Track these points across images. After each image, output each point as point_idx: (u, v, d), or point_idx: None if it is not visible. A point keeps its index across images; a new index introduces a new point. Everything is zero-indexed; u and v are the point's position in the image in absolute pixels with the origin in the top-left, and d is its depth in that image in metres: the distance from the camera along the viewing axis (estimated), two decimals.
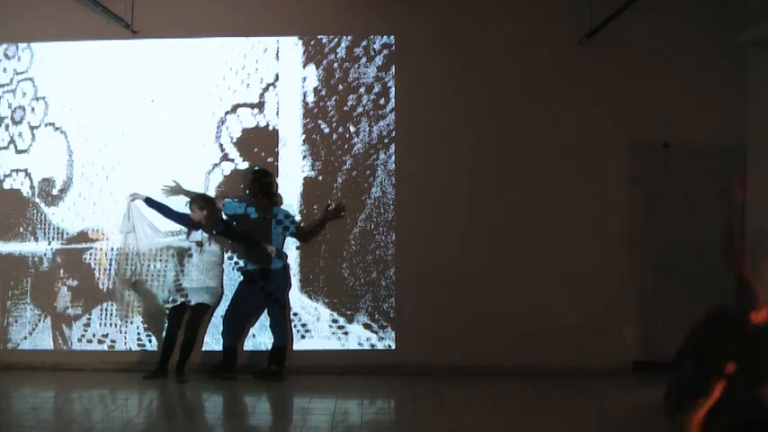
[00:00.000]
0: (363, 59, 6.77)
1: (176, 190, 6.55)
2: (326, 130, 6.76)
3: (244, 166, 6.74)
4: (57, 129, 6.85)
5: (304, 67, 6.78)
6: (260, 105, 6.78)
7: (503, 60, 6.70)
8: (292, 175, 6.75)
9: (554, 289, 6.51)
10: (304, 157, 6.76)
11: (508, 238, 6.60)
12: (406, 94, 6.72)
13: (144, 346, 6.69)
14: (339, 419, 5.07)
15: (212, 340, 6.60)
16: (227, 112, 6.78)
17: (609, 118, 6.62)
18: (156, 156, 6.73)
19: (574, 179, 6.62)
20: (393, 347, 6.65)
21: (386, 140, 6.73)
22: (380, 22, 6.77)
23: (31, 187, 6.85)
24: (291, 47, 6.80)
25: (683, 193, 6.52)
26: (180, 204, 6.50)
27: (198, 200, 6.37)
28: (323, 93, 6.77)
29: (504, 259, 6.58)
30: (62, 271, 6.76)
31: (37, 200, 6.84)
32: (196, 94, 6.78)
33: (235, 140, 6.77)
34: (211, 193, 6.67)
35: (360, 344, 6.66)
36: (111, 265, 6.72)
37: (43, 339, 6.75)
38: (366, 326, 6.66)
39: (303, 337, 6.67)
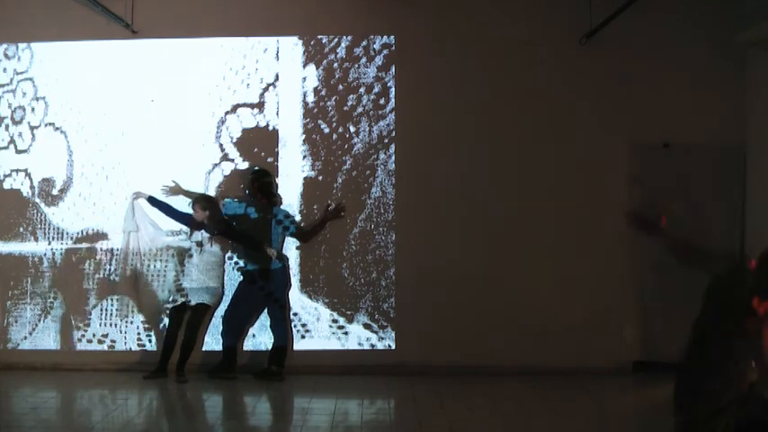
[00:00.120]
0: (363, 59, 6.77)
1: (175, 190, 6.56)
2: (326, 130, 6.76)
3: (244, 166, 6.74)
4: (57, 129, 6.85)
5: (304, 67, 6.78)
6: (260, 105, 6.78)
7: (503, 60, 6.70)
8: (292, 175, 6.75)
9: (554, 289, 6.51)
10: (304, 157, 6.76)
11: (508, 237, 6.60)
12: (406, 94, 6.72)
13: (144, 346, 6.69)
14: (339, 419, 5.07)
15: (212, 340, 6.60)
16: (227, 112, 6.78)
17: (609, 118, 6.62)
18: (156, 156, 6.73)
19: (574, 179, 6.61)
20: (393, 347, 6.65)
21: (386, 140, 6.73)
22: (380, 22, 6.77)
23: (31, 187, 6.85)
24: (291, 47, 6.80)
25: (683, 193, 6.52)
26: (180, 204, 6.50)
27: (201, 200, 6.38)
28: (323, 93, 6.77)
29: (503, 259, 6.58)
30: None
31: (37, 200, 6.84)
32: (196, 94, 6.78)
33: (235, 140, 6.77)
34: (211, 193, 6.67)
35: (360, 344, 6.66)
36: (112, 264, 6.73)
37: (43, 339, 6.75)
38: (366, 326, 6.66)
39: (303, 337, 6.68)
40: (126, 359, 6.64)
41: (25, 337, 6.77)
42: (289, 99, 6.77)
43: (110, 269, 6.72)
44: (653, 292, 6.55)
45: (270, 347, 6.46)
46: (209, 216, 6.32)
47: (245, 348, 6.62)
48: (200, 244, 6.40)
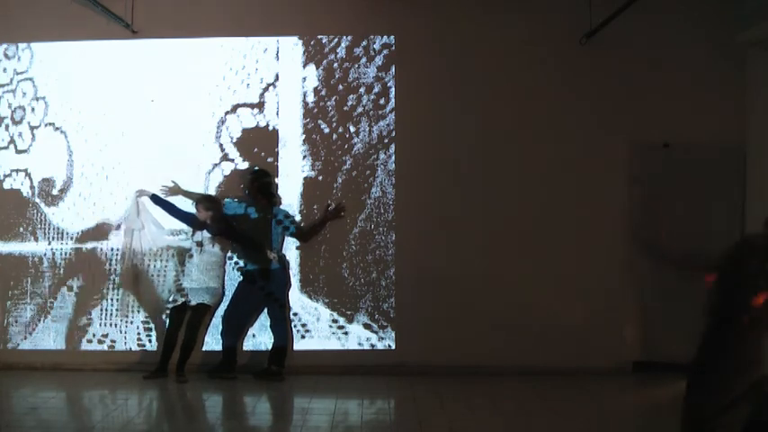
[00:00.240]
0: (363, 59, 6.77)
1: (175, 190, 6.57)
2: (326, 130, 6.76)
3: (244, 166, 6.74)
4: (57, 129, 6.85)
5: (304, 67, 6.78)
6: (260, 105, 6.78)
7: (503, 60, 6.70)
8: (292, 175, 6.75)
9: (554, 289, 6.51)
10: (304, 157, 6.76)
11: (508, 237, 6.60)
12: (406, 94, 6.72)
13: (144, 346, 6.69)
14: (339, 419, 5.07)
15: (212, 340, 6.60)
16: (227, 112, 6.78)
17: (609, 118, 6.62)
18: (156, 156, 6.73)
19: (574, 179, 6.61)
20: (393, 347, 6.65)
21: (386, 140, 6.73)
22: (380, 22, 6.77)
23: (31, 187, 6.85)
24: (291, 47, 6.80)
25: (683, 193, 6.52)
26: (180, 204, 6.51)
27: (204, 200, 6.39)
28: (323, 93, 6.77)
29: (503, 259, 6.58)
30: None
31: (37, 200, 6.84)
32: (196, 94, 6.78)
33: (235, 140, 6.77)
34: (211, 192, 6.67)
35: (360, 344, 6.66)
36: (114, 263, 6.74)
37: (43, 339, 6.75)
38: (366, 326, 6.66)
39: (303, 337, 6.67)
40: (126, 359, 6.64)
41: (25, 337, 6.77)
42: (289, 99, 6.77)
43: (112, 268, 6.72)
44: (653, 292, 6.55)
45: (270, 347, 6.46)
46: (211, 216, 6.33)
47: (245, 348, 6.62)
48: (200, 244, 6.40)
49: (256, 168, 6.61)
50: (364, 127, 6.75)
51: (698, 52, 6.59)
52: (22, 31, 6.88)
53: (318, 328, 6.68)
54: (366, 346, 6.65)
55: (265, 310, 6.54)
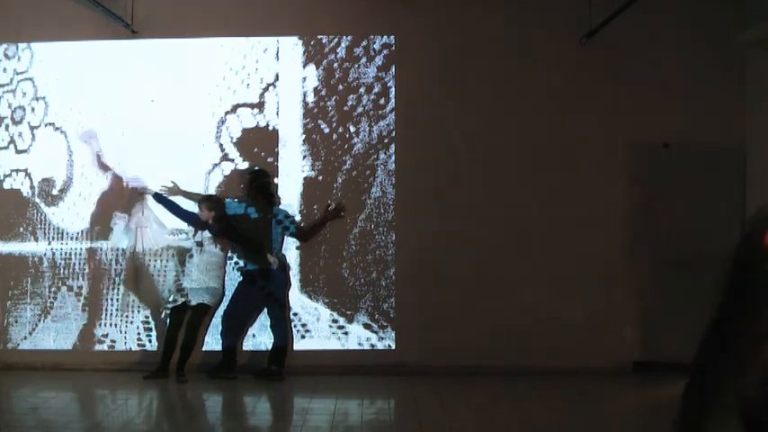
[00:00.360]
0: (363, 59, 6.77)
1: (174, 191, 6.57)
2: (326, 130, 6.76)
3: (244, 166, 6.74)
4: (57, 129, 6.85)
5: (304, 67, 6.78)
6: (260, 105, 6.78)
7: (503, 60, 6.70)
8: (292, 175, 6.75)
9: (554, 289, 6.51)
10: (304, 157, 6.76)
11: (508, 238, 6.60)
12: (406, 94, 6.71)
13: (144, 346, 6.69)
14: (339, 419, 5.07)
15: (212, 340, 6.60)
16: (227, 112, 6.78)
17: (609, 118, 6.62)
18: (156, 156, 6.74)
19: (574, 179, 6.61)
20: (393, 347, 6.65)
21: (386, 140, 6.73)
22: (380, 22, 6.77)
23: (31, 187, 6.85)
24: (291, 47, 6.80)
25: (683, 193, 6.52)
26: (180, 204, 6.52)
27: (207, 200, 6.40)
28: (323, 93, 6.77)
29: (503, 259, 6.58)
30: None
31: (37, 200, 6.84)
32: (196, 94, 6.78)
33: (235, 140, 6.77)
34: (212, 192, 6.67)
35: (360, 344, 6.66)
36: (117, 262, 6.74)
37: (43, 339, 6.75)
38: (366, 326, 6.66)
39: (303, 337, 6.67)
40: (126, 359, 6.64)
41: (25, 337, 6.77)
42: (289, 99, 6.77)
43: (113, 268, 6.73)
44: (653, 292, 6.55)
45: (270, 347, 6.46)
46: (214, 217, 6.34)
47: (245, 348, 6.61)
48: (200, 244, 6.40)
49: (256, 168, 6.61)
50: (364, 127, 6.74)
51: (698, 52, 6.59)
52: (22, 31, 6.88)
53: (318, 328, 6.68)
54: (366, 346, 6.65)
55: (265, 310, 6.54)
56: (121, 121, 6.80)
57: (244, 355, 6.56)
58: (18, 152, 6.88)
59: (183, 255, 6.53)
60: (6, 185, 6.88)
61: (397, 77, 6.73)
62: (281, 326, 6.46)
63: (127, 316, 6.70)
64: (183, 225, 6.54)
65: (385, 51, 6.77)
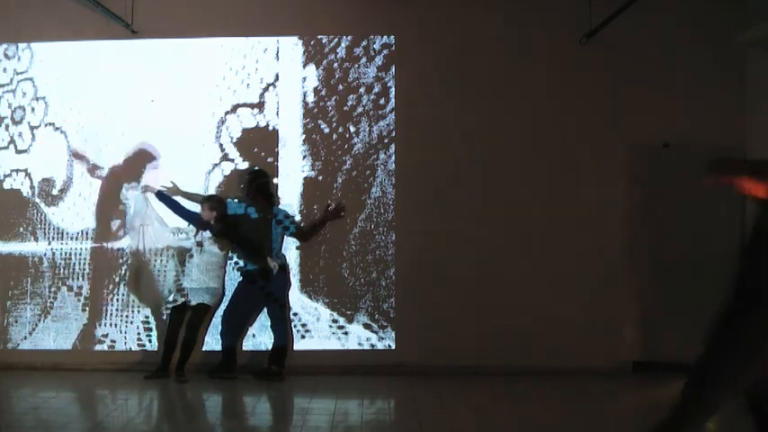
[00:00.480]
0: (363, 59, 6.77)
1: (174, 191, 6.57)
2: (326, 130, 6.76)
3: (244, 166, 6.74)
4: (57, 129, 6.85)
5: (304, 67, 6.78)
6: (260, 105, 6.78)
7: (503, 60, 6.70)
8: (292, 175, 6.75)
9: (554, 289, 6.51)
10: (304, 157, 6.76)
11: (508, 237, 6.60)
12: (406, 94, 6.72)
13: (144, 346, 6.69)
14: (339, 419, 5.07)
15: (212, 340, 6.60)
16: (227, 112, 6.78)
17: (609, 118, 6.62)
18: (156, 156, 6.73)
19: (574, 179, 6.62)
20: (393, 347, 6.65)
21: (386, 140, 6.73)
22: (380, 22, 6.77)
23: (31, 187, 6.85)
24: (291, 47, 6.80)
25: (683, 193, 6.52)
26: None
27: (211, 200, 6.40)
28: (323, 93, 6.77)
29: (503, 259, 6.58)
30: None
31: (37, 200, 6.84)
32: (196, 94, 6.78)
33: (235, 140, 6.77)
34: (212, 192, 6.67)
35: (360, 344, 6.66)
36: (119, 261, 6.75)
37: (43, 339, 6.75)
38: (366, 326, 6.66)
39: (303, 337, 6.68)
40: (126, 359, 6.64)
41: (25, 337, 6.77)
42: (289, 99, 6.77)
43: (112, 268, 6.73)
44: (653, 292, 6.56)
45: (270, 347, 6.46)
46: (216, 217, 6.34)
47: (244, 348, 6.62)
48: (200, 244, 6.40)
49: (255, 169, 6.62)
50: (364, 127, 6.75)
51: (698, 52, 6.59)
52: (22, 31, 6.88)
53: (318, 328, 6.68)
54: (366, 346, 6.66)
55: (265, 310, 6.54)
56: (121, 121, 6.80)
57: (244, 355, 6.56)
58: (18, 152, 6.88)
59: (183, 255, 6.53)
60: (6, 185, 6.88)
61: (397, 77, 6.73)
62: (281, 326, 6.46)
63: (127, 316, 6.71)
64: (184, 224, 6.54)
65: (385, 51, 6.77)
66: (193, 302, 6.38)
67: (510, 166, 6.65)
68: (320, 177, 6.75)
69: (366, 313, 6.67)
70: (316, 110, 6.77)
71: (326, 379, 6.28)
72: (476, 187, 6.64)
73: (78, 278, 6.76)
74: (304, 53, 6.79)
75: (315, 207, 6.72)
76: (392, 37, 6.77)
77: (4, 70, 6.92)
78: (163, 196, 6.45)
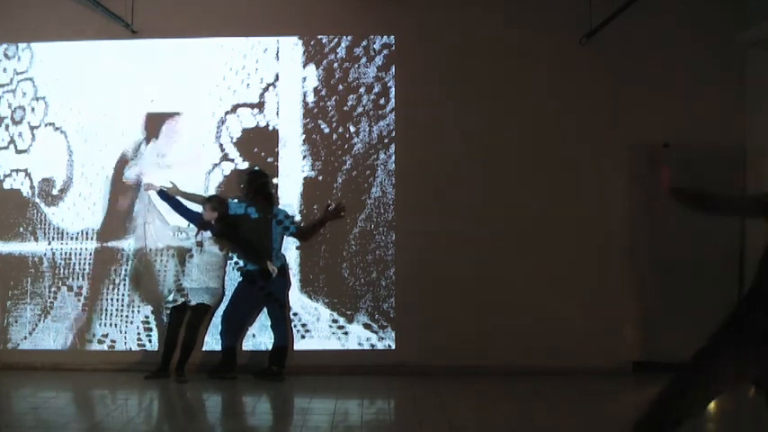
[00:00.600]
0: (363, 59, 6.77)
1: (173, 191, 6.57)
2: (326, 130, 6.76)
3: (244, 166, 6.74)
4: (57, 129, 6.85)
5: (304, 67, 6.78)
6: (260, 105, 6.78)
7: (503, 60, 6.70)
8: (292, 175, 6.75)
9: (554, 289, 6.51)
10: (304, 157, 6.76)
11: (508, 237, 6.60)
12: (406, 94, 6.72)
13: (144, 346, 6.69)
14: (339, 419, 5.07)
15: (212, 340, 6.60)
16: (227, 112, 6.78)
17: (609, 118, 6.62)
18: (156, 156, 6.74)
19: (574, 179, 6.62)
20: (393, 347, 6.65)
21: (386, 140, 6.73)
22: (380, 22, 6.77)
23: (31, 187, 6.85)
24: (291, 47, 6.80)
25: None
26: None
27: (213, 201, 6.40)
28: (323, 93, 6.77)
29: (503, 259, 6.58)
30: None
31: (37, 200, 6.84)
32: (196, 94, 6.78)
33: (235, 140, 6.77)
34: (211, 192, 6.67)
35: (360, 344, 6.66)
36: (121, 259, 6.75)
37: (43, 339, 6.75)
38: (366, 326, 6.66)
39: (303, 337, 6.68)
40: (126, 359, 6.64)
41: (25, 337, 6.77)
42: (289, 99, 6.77)
43: (115, 267, 6.73)
44: (653, 292, 6.56)
45: (270, 347, 6.46)
46: (217, 218, 6.34)
47: (244, 348, 6.62)
48: (200, 244, 6.40)
49: (256, 168, 6.62)
50: (364, 127, 6.75)
51: (698, 52, 6.60)
52: (22, 31, 6.89)
53: (318, 328, 6.68)
54: (366, 346, 6.66)
55: (265, 310, 6.54)
56: (121, 121, 6.80)
57: (244, 355, 6.56)
58: (18, 152, 6.88)
59: (183, 255, 6.53)
60: (6, 185, 6.88)
61: (397, 77, 6.73)
62: (281, 326, 6.46)
63: (127, 316, 6.71)
64: (184, 223, 6.54)
65: (385, 51, 6.77)
66: (193, 302, 6.39)
67: (510, 166, 6.65)
68: (320, 177, 6.75)
69: (366, 313, 6.67)
70: (316, 110, 6.77)
71: (326, 379, 6.28)
72: (476, 187, 6.64)
73: (78, 278, 6.76)
74: (304, 53, 6.80)
75: (315, 207, 6.72)
76: (392, 37, 6.77)
77: (4, 70, 6.92)
78: (165, 195, 6.45)
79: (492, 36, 6.73)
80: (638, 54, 6.61)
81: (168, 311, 6.50)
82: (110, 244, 6.74)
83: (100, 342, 6.72)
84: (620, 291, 6.58)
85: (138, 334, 6.71)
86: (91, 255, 6.76)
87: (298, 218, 6.69)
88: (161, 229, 6.59)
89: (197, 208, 6.46)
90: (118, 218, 6.74)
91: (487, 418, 5.13)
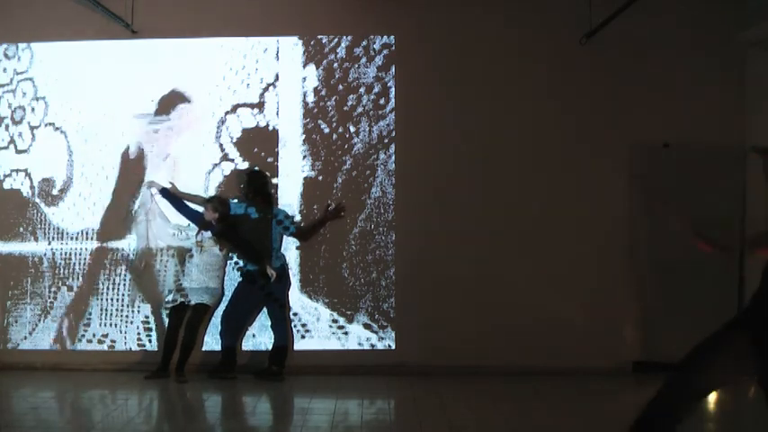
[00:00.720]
0: (363, 59, 6.77)
1: (173, 191, 6.56)
2: (326, 130, 6.76)
3: (244, 166, 6.74)
4: (57, 129, 6.85)
5: (304, 67, 6.78)
6: (260, 105, 6.78)
7: (503, 60, 6.70)
8: (292, 175, 6.75)
9: (554, 289, 6.51)
10: (304, 157, 6.76)
11: (508, 237, 6.60)
12: (406, 94, 6.72)
13: (144, 346, 6.69)
14: (339, 419, 5.07)
15: (212, 340, 6.60)
16: (227, 112, 6.78)
17: (609, 118, 6.62)
18: (156, 156, 6.74)
19: (574, 179, 6.62)
20: (393, 347, 6.65)
21: (386, 140, 6.74)
22: (380, 22, 6.77)
23: (31, 187, 6.85)
24: (291, 47, 6.80)
25: (683, 193, 6.52)
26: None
27: (215, 201, 6.40)
28: (323, 93, 6.77)
29: (503, 259, 6.58)
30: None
31: (37, 200, 6.84)
32: (196, 94, 6.78)
33: (235, 140, 6.77)
34: (211, 193, 6.67)
35: (360, 344, 6.66)
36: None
37: (43, 339, 6.75)
38: (366, 326, 6.66)
39: (303, 337, 6.68)
40: (126, 359, 6.64)
41: (25, 337, 6.77)
42: (289, 99, 6.78)
43: (111, 267, 6.73)
44: (653, 292, 6.55)
45: (270, 347, 6.46)
46: (218, 219, 6.34)
47: (244, 348, 6.62)
48: (200, 244, 6.40)
49: (255, 169, 6.62)
50: (364, 127, 6.75)
51: (698, 52, 6.59)
52: (22, 31, 6.88)
53: (318, 328, 6.68)
54: (366, 346, 6.66)
55: (265, 310, 6.54)
56: (121, 121, 6.80)
57: (244, 355, 6.56)
58: (18, 152, 6.88)
59: (182, 254, 6.53)
60: (6, 185, 6.88)
61: (397, 77, 6.74)
62: (281, 326, 6.46)
63: (127, 316, 6.71)
64: (185, 222, 6.53)
65: (385, 51, 6.77)
66: (193, 302, 6.39)
67: (510, 166, 6.65)
68: (320, 177, 6.75)
69: (366, 313, 6.67)
70: (316, 110, 6.77)
71: (326, 379, 6.28)
72: (476, 187, 6.64)
73: (78, 278, 6.76)
74: (304, 53, 6.80)
75: (315, 207, 6.72)
76: (392, 37, 6.77)
77: (4, 70, 6.92)
78: (167, 193, 6.46)
79: (492, 36, 6.73)
80: (637, 54, 6.61)
81: (168, 311, 6.49)
82: (110, 244, 6.75)
83: (100, 342, 6.72)
84: (620, 291, 6.58)
85: (138, 334, 6.71)
86: (91, 255, 6.76)
87: (298, 218, 6.70)
88: (162, 226, 6.58)
89: (198, 208, 6.46)
90: (118, 218, 6.73)
91: (487, 418, 5.13)
